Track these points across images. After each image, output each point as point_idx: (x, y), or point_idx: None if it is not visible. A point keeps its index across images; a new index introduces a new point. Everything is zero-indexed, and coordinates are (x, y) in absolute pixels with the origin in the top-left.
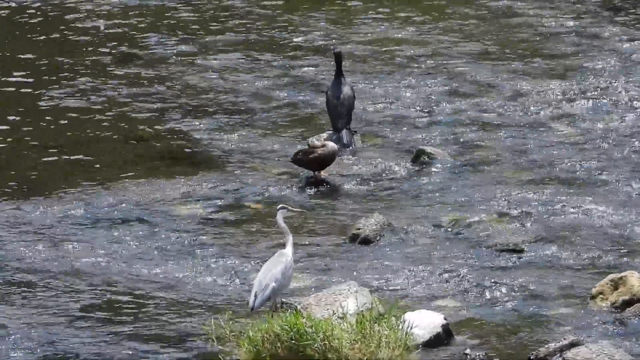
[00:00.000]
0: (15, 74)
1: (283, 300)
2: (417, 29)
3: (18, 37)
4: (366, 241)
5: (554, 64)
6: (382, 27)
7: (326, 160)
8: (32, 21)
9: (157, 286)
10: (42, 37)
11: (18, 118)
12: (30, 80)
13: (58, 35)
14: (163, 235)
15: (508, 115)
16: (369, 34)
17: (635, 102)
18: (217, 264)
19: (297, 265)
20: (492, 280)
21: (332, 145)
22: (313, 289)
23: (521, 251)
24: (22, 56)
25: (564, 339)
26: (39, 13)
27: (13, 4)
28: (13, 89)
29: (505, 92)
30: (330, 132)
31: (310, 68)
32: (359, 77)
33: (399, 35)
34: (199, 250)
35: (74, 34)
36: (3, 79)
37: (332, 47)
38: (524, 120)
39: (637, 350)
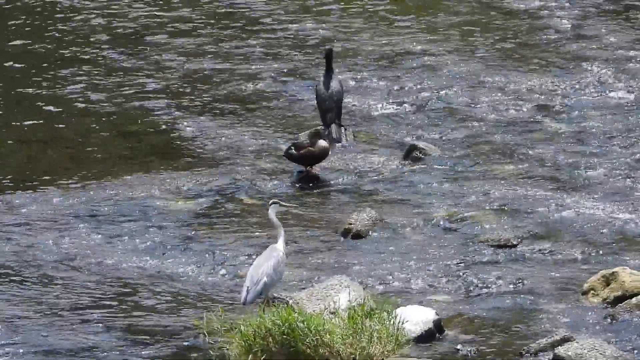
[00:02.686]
0: (6, 66)
1: (275, 295)
2: (409, 24)
3: (11, 29)
4: (358, 236)
5: (547, 59)
6: (374, 22)
7: (318, 155)
8: (26, 13)
9: (149, 280)
10: (35, 30)
11: (10, 111)
12: (22, 73)
13: (51, 29)
14: (155, 230)
15: (500, 110)
16: (361, 30)
17: (628, 98)
18: (209, 258)
19: (289, 260)
20: (484, 276)
21: (324, 141)
22: (305, 284)
23: (513, 246)
24: (14, 49)
25: (556, 334)
26: (31, 4)
27: None
28: (4, 82)
29: (497, 87)
30: (321, 127)
31: (302, 63)
32: (350, 73)
33: (391, 31)
34: (190, 245)
35: (67, 27)
36: None
37: (325, 44)
38: (516, 115)
39: (628, 346)
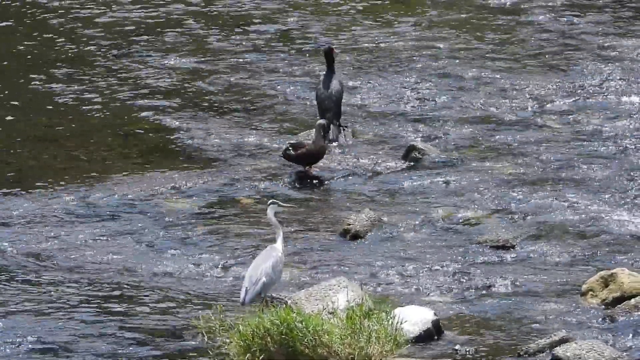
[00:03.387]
0: (3, 65)
1: (273, 295)
2: (409, 25)
3: (8, 28)
4: (357, 236)
5: (545, 60)
6: (374, 23)
7: (316, 155)
8: (22, 12)
9: (147, 280)
10: (32, 29)
11: (9, 111)
12: (22, 72)
13: (49, 28)
14: (153, 230)
15: (499, 111)
16: (360, 30)
17: (626, 99)
18: (208, 258)
19: (288, 260)
20: (483, 276)
21: (321, 141)
22: (303, 284)
23: (512, 247)
24: (11, 48)
25: (554, 335)
26: (31, 3)
27: None
28: (4, 80)
29: (497, 88)
30: (322, 120)
31: (302, 63)
32: (351, 74)
33: (391, 31)
34: (189, 245)
35: (68, 26)
36: None
37: (324, 44)
38: (515, 116)
39: (627, 347)
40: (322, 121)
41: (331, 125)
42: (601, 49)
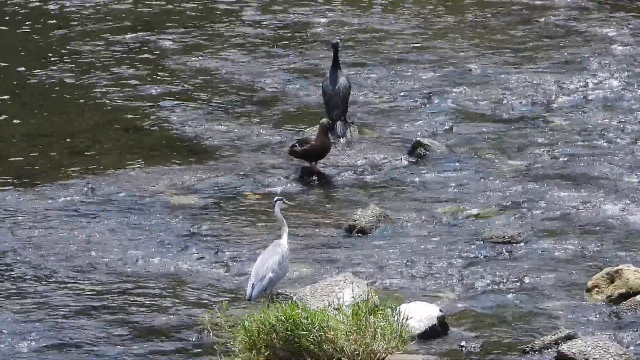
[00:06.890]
0: (11, 60)
1: (279, 291)
2: (414, 19)
3: (13, 21)
4: (362, 232)
5: (551, 56)
6: (379, 17)
7: (322, 151)
8: (27, 7)
9: (153, 276)
10: (37, 22)
11: (14, 106)
12: (27, 66)
13: (53, 23)
14: (159, 225)
15: (505, 107)
16: (365, 25)
17: (631, 95)
18: (213, 254)
19: (293, 256)
20: (488, 273)
21: (327, 137)
22: (309, 280)
23: (517, 244)
24: (16, 43)
25: (559, 331)
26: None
27: None
28: (8, 75)
29: (503, 84)
30: (326, 119)
31: (307, 59)
32: (356, 69)
33: (396, 26)
34: (195, 240)
35: (71, 21)
36: None
37: (330, 38)
38: (521, 112)
39: (632, 344)
40: (324, 120)
41: (338, 122)
42: (612, 46)
